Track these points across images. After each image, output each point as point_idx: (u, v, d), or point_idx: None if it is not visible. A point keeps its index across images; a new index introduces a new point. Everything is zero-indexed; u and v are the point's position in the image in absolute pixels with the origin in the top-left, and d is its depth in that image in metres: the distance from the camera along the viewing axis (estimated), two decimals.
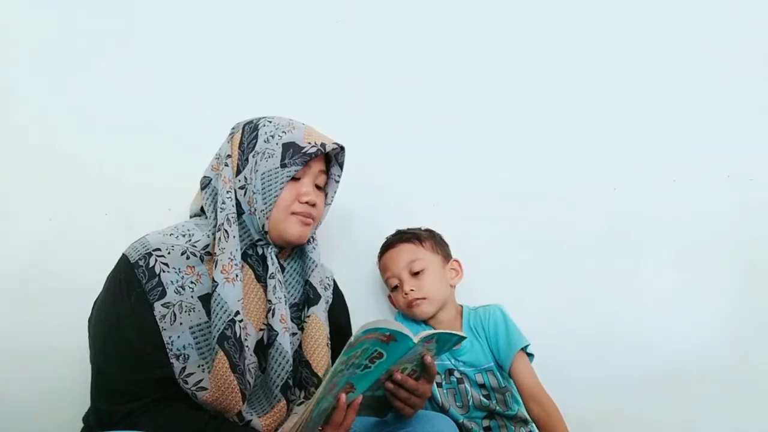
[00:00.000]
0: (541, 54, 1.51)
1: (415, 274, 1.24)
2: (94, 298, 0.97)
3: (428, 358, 0.89)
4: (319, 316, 1.03)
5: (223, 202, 0.98)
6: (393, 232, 1.34)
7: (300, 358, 0.99)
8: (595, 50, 1.50)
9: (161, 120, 1.45)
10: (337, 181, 1.12)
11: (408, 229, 1.32)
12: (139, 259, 0.92)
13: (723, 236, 1.41)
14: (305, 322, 1.02)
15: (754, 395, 1.35)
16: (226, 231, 0.96)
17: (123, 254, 0.94)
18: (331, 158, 1.11)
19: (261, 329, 0.97)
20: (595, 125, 1.47)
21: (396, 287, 1.27)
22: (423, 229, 1.32)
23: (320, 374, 0.98)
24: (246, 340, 0.93)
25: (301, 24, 1.51)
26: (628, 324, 1.39)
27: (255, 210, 0.99)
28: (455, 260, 1.31)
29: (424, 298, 1.22)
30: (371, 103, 1.48)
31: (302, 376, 0.98)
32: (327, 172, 1.11)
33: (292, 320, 1.03)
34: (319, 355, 0.99)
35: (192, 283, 0.94)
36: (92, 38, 1.49)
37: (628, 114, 1.47)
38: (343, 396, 0.82)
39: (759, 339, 1.37)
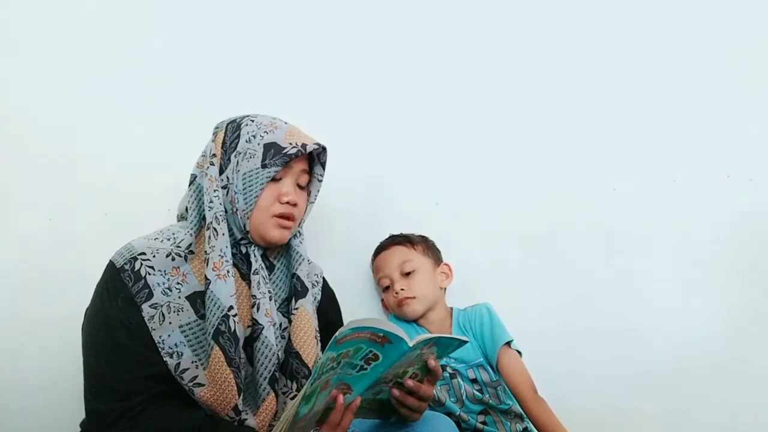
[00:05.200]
0: (541, 54, 1.51)
1: (406, 274, 1.29)
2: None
3: (432, 362, 0.88)
4: (307, 308, 1.03)
5: (211, 201, 0.99)
6: (388, 235, 1.37)
7: (290, 349, 1.00)
8: (595, 50, 1.50)
9: (161, 120, 1.45)
10: (320, 180, 1.13)
11: (401, 233, 1.36)
12: (125, 263, 0.93)
13: (723, 236, 1.41)
14: (293, 314, 1.03)
15: (754, 394, 1.35)
16: (215, 229, 0.97)
17: (110, 260, 0.96)
18: (314, 157, 1.11)
19: (248, 326, 0.98)
20: (595, 125, 1.47)
21: (387, 287, 1.31)
22: (415, 234, 1.36)
23: (310, 365, 0.99)
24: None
25: (301, 24, 1.51)
26: (627, 324, 1.39)
27: (236, 210, 1.00)
28: (446, 264, 1.36)
29: (414, 298, 1.27)
30: (372, 103, 1.48)
31: (293, 367, 0.99)
32: (310, 171, 1.11)
33: (283, 315, 1.04)
34: (308, 346, 1.00)
35: (178, 284, 0.95)
36: (93, 39, 1.49)
37: (628, 114, 1.47)
38: (341, 396, 0.82)
39: (759, 338, 1.37)
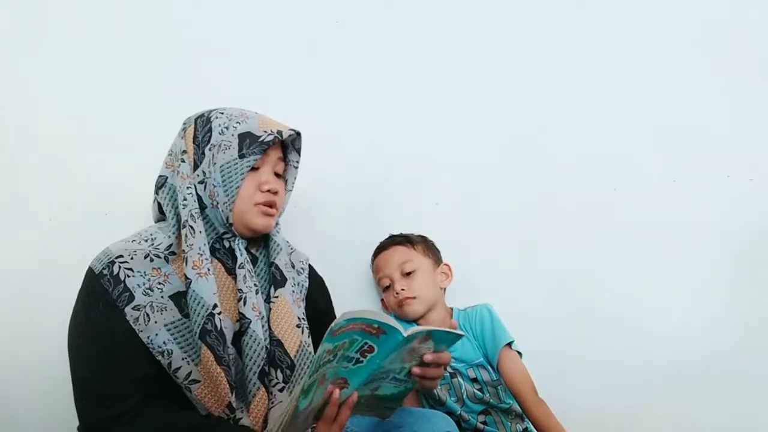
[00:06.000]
0: (540, 54, 1.51)
1: (407, 274, 1.29)
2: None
3: (429, 356, 0.88)
4: (286, 297, 1.02)
5: (185, 199, 0.98)
6: (388, 235, 1.37)
7: (271, 338, 0.99)
8: (595, 50, 1.50)
9: (162, 120, 1.45)
10: (296, 167, 1.12)
11: (401, 233, 1.36)
12: (103, 268, 0.93)
13: (723, 236, 1.41)
14: (272, 302, 1.02)
15: (754, 395, 1.35)
16: (192, 227, 0.96)
17: (89, 267, 0.95)
18: (288, 145, 1.11)
19: (237, 320, 0.98)
20: (595, 126, 1.47)
21: (387, 287, 1.31)
22: (415, 234, 1.36)
23: (292, 354, 0.98)
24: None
25: (301, 22, 1.51)
26: (627, 324, 1.39)
27: (217, 203, 0.99)
28: (446, 264, 1.36)
29: (414, 298, 1.27)
30: (372, 103, 1.48)
31: (275, 356, 0.98)
32: (285, 159, 1.11)
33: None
34: (290, 335, 0.99)
35: (160, 284, 0.94)
36: (90, 39, 1.49)
37: (628, 114, 1.47)
38: (337, 391, 0.81)
39: (759, 338, 1.37)
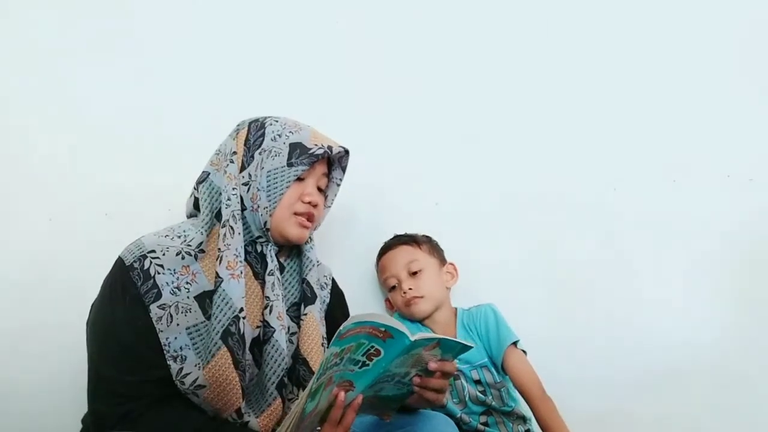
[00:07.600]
0: (541, 54, 1.51)
1: (413, 274, 1.28)
2: (94, 299, 0.97)
3: (432, 364, 0.87)
4: (314, 314, 1.03)
5: (229, 199, 0.98)
6: (392, 235, 1.37)
7: (297, 356, 1.00)
8: (594, 50, 1.50)
9: (161, 121, 1.45)
10: (338, 185, 1.14)
11: (406, 233, 1.36)
12: (134, 261, 0.92)
13: (723, 236, 1.41)
14: (302, 320, 1.02)
15: (754, 395, 1.35)
16: (232, 227, 0.96)
17: (119, 257, 0.95)
18: (334, 161, 1.12)
19: (257, 326, 0.98)
20: (595, 125, 1.47)
21: (394, 287, 1.30)
22: (420, 234, 1.36)
23: None
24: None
25: (302, 24, 1.51)
26: (627, 324, 1.39)
27: (258, 207, 1.00)
28: (451, 264, 1.36)
29: (422, 297, 1.27)
30: (372, 104, 1.48)
31: (299, 374, 0.99)
32: (328, 174, 1.12)
33: (291, 320, 1.04)
34: (316, 354, 1.00)
35: (188, 283, 0.94)
36: (92, 39, 1.49)
37: (628, 114, 1.47)
38: (342, 393, 0.81)
39: (759, 339, 1.37)
